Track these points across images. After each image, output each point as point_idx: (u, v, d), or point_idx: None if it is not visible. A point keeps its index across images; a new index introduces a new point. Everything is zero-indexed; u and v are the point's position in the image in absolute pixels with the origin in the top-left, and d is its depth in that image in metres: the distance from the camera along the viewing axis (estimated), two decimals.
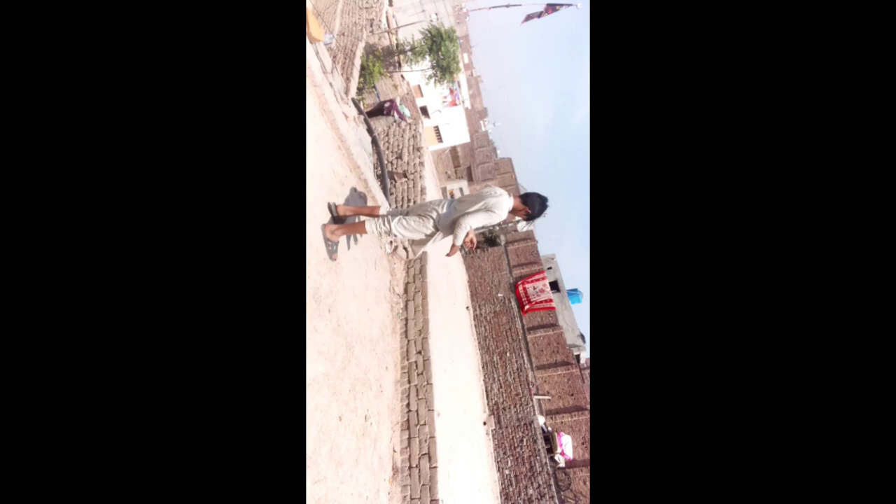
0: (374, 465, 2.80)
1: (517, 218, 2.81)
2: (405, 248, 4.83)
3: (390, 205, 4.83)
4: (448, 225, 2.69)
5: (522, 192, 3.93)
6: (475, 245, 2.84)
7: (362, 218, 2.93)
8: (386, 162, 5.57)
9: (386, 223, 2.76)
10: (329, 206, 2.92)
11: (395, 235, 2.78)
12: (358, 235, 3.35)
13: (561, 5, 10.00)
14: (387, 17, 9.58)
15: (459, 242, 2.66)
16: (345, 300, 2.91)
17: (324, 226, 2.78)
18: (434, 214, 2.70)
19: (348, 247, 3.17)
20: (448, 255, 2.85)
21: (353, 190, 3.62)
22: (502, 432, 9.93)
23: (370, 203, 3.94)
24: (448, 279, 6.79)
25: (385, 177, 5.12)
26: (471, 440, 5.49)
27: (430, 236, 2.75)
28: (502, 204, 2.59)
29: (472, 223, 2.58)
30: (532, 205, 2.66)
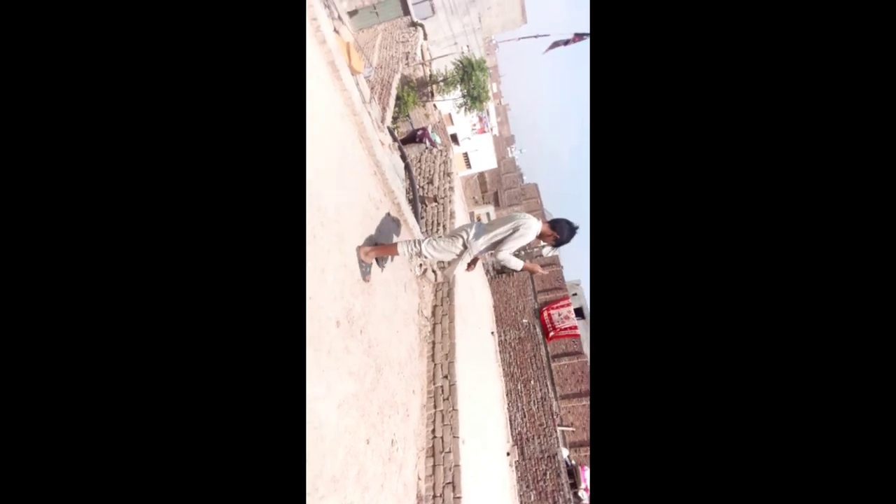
0: (398, 491, 2.76)
1: (542, 243, 2.87)
2: (434, 272, 4.88)
3: (421, 228, 4.93)
4: (478, 247, 2.78)
5: (548, 216, 3.95)
6: (473, 268, 2.96)
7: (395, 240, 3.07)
8: (418, 187, 5.71)
9: (417, 245, 2.89)
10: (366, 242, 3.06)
11: (426, 257, 2.87)
12: (391, 258, 3.44)
13: (588, 35, 10.31)
14: (422, 50, 10.01)
15: (520, 268, 2.80)
16: (375, 321, 2.96)
17: (358, 248, 2.89)
18: (464, 235, 2.81)
19: (381, 269, 3.24)
20: (467, 269, 2.95)
21: (388, 214, 3.73)
22: (525, 464, 9.58)
23: (403, 229, 4.03)
24: (473, 303, 6.77)
25: (416, 201, 5.25)
26: (494, 471, 5.34)
27: (459, 256, 2.84)
28: (531, 226, 2.67)
29: (512, 247, 2.67)
30: (561, 230, 2.72)
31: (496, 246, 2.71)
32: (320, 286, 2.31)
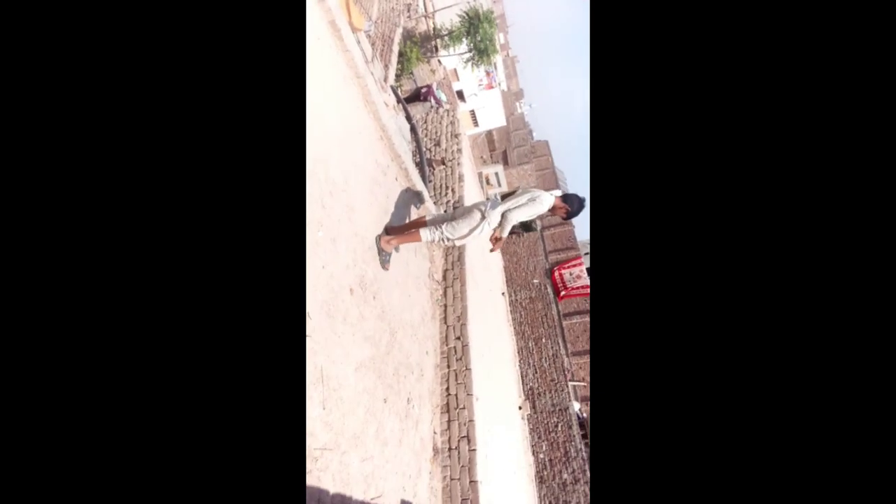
0: (416, 445, 2.93)
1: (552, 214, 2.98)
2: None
3: (429, 192, 4.89)
4: (495, 217, 2.84)
5: (560, 174, 3.97)
6: (500, 243, 3.00)
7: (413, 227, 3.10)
8: (424, 149, 5.61)
9: (439, 229, 2.91)
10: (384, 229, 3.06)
11: (448, 239, 2.92)
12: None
13: None
14: (424, 1, 9.48)
15: (505, 234, 2.85)
16: (388, 288, 3.02)
17: (378, 237, 2.94)
18: (482, 208, 2.86)
19: (397, 252, 3.24)
20: (492, 249, 2.97)
21: (396, 181, 3.70)
22: (537, 417, 10.00)
23: (415, 199, 4.00)
24: (484, 265, 6.83)
25: (424, 165, 5.17)
26: (507, 424, 5.59)
27: (478, 225, 2.88)
28: (544, 199, 2.83)
29: (519, 216, 2.78)
30: (571, 203, 2.89)
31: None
32: (333, 256, 2.35)
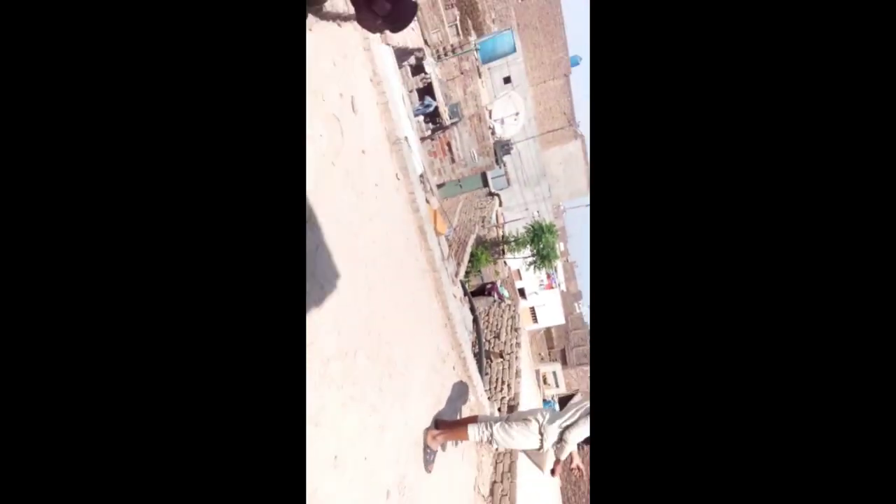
0: None
1: None
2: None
3: (484, 385, 4.68)
4: (553, 433, 2.53)
5: None
6: (583, 473, 2.60)
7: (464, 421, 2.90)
8: (484, 340, 5.65)
9: (489, 427, 2.68)
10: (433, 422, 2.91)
11: (498, 443, 2.65)
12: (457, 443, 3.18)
13: None
14: (496, 215, 11.14)
15: (564, 457, 2.49)
16: (426, 496, 2.62)
17: (426, 430, 2.77)
18: (539, 418, 2.59)
19: (443, 451, 2.97)
20: (553, 473, 2.60)
21: (453, 370, 3.64)
22: None
23: (469, 394, 3.86)
24: (537, 480, 5.83)
25: (482, 356, 5.12)
26: None
27: (539, 449, 2.57)
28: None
29: (580, 436, 2.43)
30: None
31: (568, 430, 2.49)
32: (376, 447, 2.17)
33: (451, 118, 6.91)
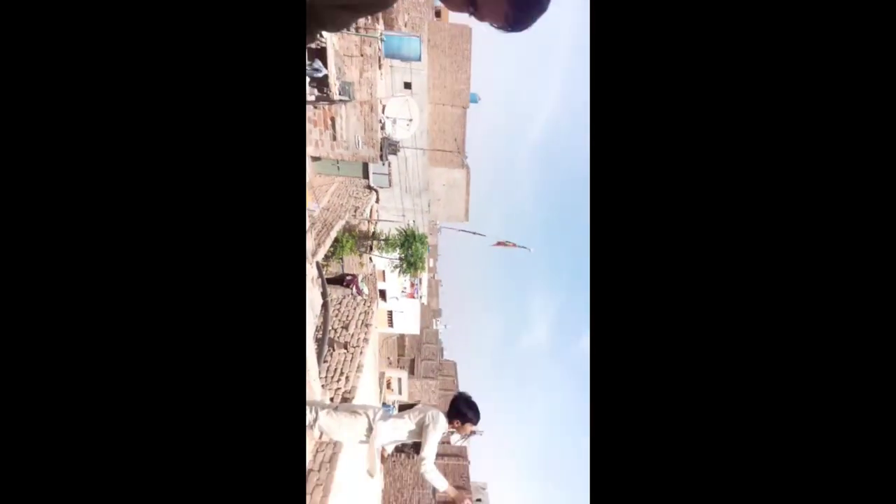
0: None
1: (451, 430, 2.60)
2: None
3: (320, 372, 4.37)
4: (384, 432, 2.48)
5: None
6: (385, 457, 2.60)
7: None
8: (330, 327, 5.34)
9: (314, 412, 2.46)
10: None
11: (322, 429, 2.45)
12: None
13: (522, 247, 12.78)
14: (371, 209, 10.92)
15: (443, 488, 2.50)
16: None
17: None
18: (370, 414, 2.48)
19: None
20: (370, 472, 2.53)
21: None
22: None
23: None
24: (359, 476, 5.63)
25: (325, 343, 4.82)
26: None
27: (359, 436, 2.47)
28: (439, 418, 2.49)
29: (434, 446, 2.44)
30: (459, 408, 2.59)
31: (408, 436, 2.51)
32: None
33: (340, 94, 6.56)
